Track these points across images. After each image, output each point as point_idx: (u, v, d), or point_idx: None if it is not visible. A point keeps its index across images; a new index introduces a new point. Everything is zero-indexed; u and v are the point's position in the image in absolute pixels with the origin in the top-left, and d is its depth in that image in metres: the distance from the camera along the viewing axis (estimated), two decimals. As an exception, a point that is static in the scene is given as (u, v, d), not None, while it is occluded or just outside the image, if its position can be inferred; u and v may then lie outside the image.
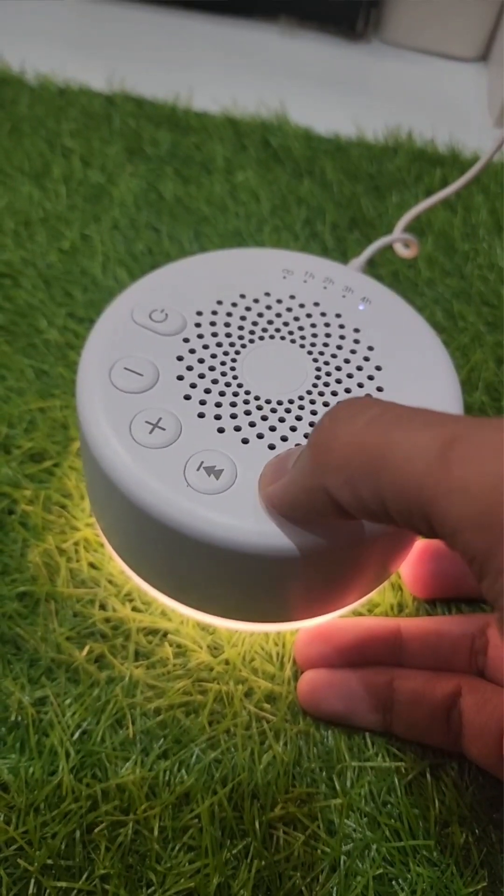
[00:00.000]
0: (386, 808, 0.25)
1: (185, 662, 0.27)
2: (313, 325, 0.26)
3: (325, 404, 0.23)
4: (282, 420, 0.23)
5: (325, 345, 0.25)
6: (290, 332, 0.26)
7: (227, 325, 0.25)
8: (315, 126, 0.52)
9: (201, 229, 0.43)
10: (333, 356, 0.25)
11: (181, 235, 0.42)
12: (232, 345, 0.25)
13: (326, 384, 0.24)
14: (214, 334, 0.25)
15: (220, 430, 0.22)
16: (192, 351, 0.24)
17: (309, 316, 0.26)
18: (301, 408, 0.23)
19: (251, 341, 0.25)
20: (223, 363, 0.24)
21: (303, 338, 0.25)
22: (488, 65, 0.65)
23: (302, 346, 0.25)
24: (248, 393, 0.23)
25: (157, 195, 0.44)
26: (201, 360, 0.24)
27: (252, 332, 0.25)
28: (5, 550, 0.29)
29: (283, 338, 0.25)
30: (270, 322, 0.26)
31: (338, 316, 0.26)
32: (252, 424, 0.23)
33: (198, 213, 0.44)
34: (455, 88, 0.62)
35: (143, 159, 0.47)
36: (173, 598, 0.25)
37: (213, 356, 0.24)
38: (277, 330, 0.26)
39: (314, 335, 0.26)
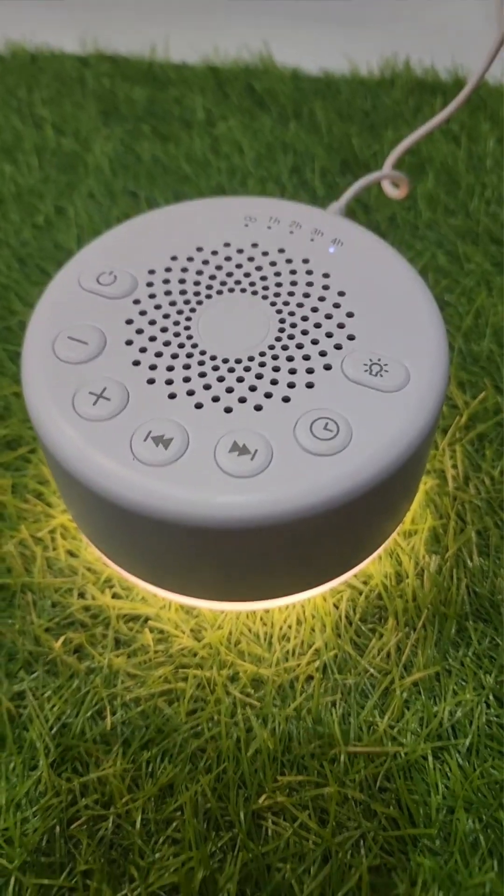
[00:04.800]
0: (383, 795, 0.23)
1: (167, 648, 0.26)
2: (277, 274, 0.24)
3: (290, 358, 0.21)
4: (240, 380, 0.21)
5: (291, 293, 0.23)
6: (252, 284, 0.23)
7: (182, 281, 0.23)
8: (303, 65, 0.49)
9: (182, 189, 0.40)
10: (299, 305, 0.23)
11: (160, 198, 0.40)
12: (187, 302, 0.23)
13: (291, 336, 0.22)
14: (168, 293, 0.23)
15: (172, 396, 0.21)
16: (142, 313, 0.23)
17: (273, 264, 0.24)
18: (262, 364, 0.21)
19: (208, 297, 0.23)
20: (177, 323, 0.22)
21: (265, 288, 0.23)
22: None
23: (265, 297, 0.23)
24: (203, 353, 0.22)
25: (134, 157, 0.42)
26: (153, 322, 0.22)
27: (209, 287, 0.23)
28: (-17, 542, 0.28)
29: (243, 290, 0.23)
30: (230, 274, 0.24)
31: (305, 261, 0.24)
32: (207, 387, 0.21)
33: (178, 172, 0.41)
34: (457, 2, 0.57)
35: (119, 120, 0.44)
36: (143, 580, 0.24)
37: (166, 316, 0.23)
38: (237, 282, 0.23)
39: (278, 284, 0.23)
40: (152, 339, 0.22)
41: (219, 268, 0.24)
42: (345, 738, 0.24)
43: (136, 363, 0.21)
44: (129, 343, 0.22)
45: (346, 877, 0.22)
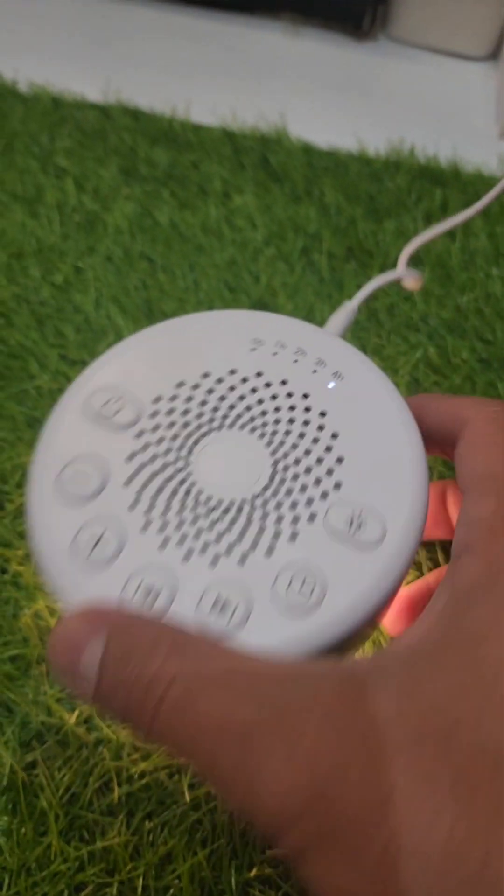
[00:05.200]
0: (356, 869, 0.26)
1: (170, 724, 0.28)
2: (277, 410, 0.24)
3: (278, 505, 0.22)
4: (229, 527, 0.21)
5: (287, 433, 0.23)
6: (251, 419, 0.24)
7: (186, 412, 0.23)
8: (315, 139, 0.51)
9: (196, 260, 0.42)
10: (294, 446, 0.23)
11: (175, 267, 0.42)
12: (188, 436, 0.23)
13: (282, 481, 0.22)
14: (171, 424, 0.23)
15: (164, 543, 0.21)
16: (145, 447, 0.23)
17: (274, 398, 0.24)
18: (252, 511, 0.22)
19: (209, 431, 0.23)
20: (176, 460, 0.22)
21: (264, 425, 0.23)
22: (499, 63, 0.63)
23: (262, 435, 0.23)
24: (197, 496, 0.22)
25: (152, 221, 0.44)
26: (153, 458, 0.22)
27: (211, 421, 0.23)
28: (-2, 608, 0.30)
29: (242, 426, 0.23)
30: (232, 407, 0.24)
31: (305, 397, 0.24)
32: (197, 535, 0.21)
33: (193, 240, 0.43)
34: (462, 90, 0.60)
35: (139, 180, 0.46)
36: None
37: (167, 451, 0.22)
38: (238, 416, 0.24)
39: (276, 422, 0.24)
40: (152, 476, 0.22)
41: (222, 398, 0.24)
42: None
43: (134, 505, 0.21)
44: (128, 481, 0.22)
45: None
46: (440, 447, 0.25)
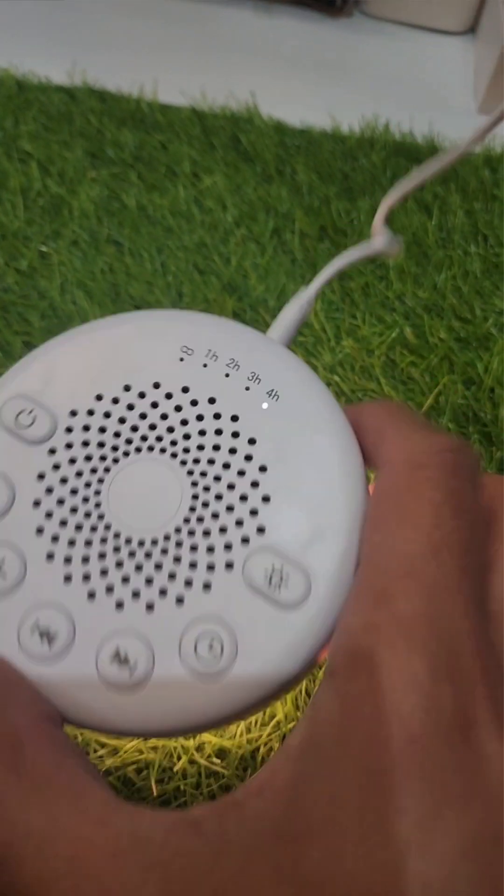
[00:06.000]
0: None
1: (138, 718, 0.27)
2: (202, 433, 0.21)
3: (193, 548, 0.20)
4: (139, 568, 0.19)
5: (210, 462, 0.21)
6: (173, 443, 0.21)
7: (102, 430, 0.21)
8: (287, 117, 0.50)
9: (165, 242, 0.41)
10: (216, 479, 0.21)
11: (143, 250, 0.41)
12: (103, 458, 0.21)
13: (201, 519, 0.20)
14: (85, 443, 0.21)
15: (68, 578, 0.19)
16: (56, 466, 0.21)
17: (199, 419, 0.22)
18: (164, 551, 0.20)
19: (125, 454, 0.21)
20: (88, 485, 0.20)
21: (186, 451, 0.21)
22: (475, 38, 0.62)
23: (183, 462, 0.21)
24: (108, 528, 0.20)
25: (119, 204, 0.43)
26: (63, 480, 0.20)
27: (129, 442, 0.21)
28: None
29: (162, 450, 0.21)
30: (153, 427, 0.21)
31: (234, 419, 0.22)
32: (104, 572, 0.19)
33: (162, 223, 0.42)
34: (439, 66, 0.59)
35: (106, 163, 0.45)
36: None
37: (79, 474, 0.21)
38: (159, 438, 0.21)
39: (199, 447, 0.21)
40: (60, 501, 0.20)
41: (143, 416, 0.22)
42: (299, 806, 0.26)
43: (40, 531, 0.20)
44: (36, 504, 0.20)
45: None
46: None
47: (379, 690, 0.14)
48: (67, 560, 0.20)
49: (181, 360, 0.23)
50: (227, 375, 0.23)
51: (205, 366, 0.23)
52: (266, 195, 0.44)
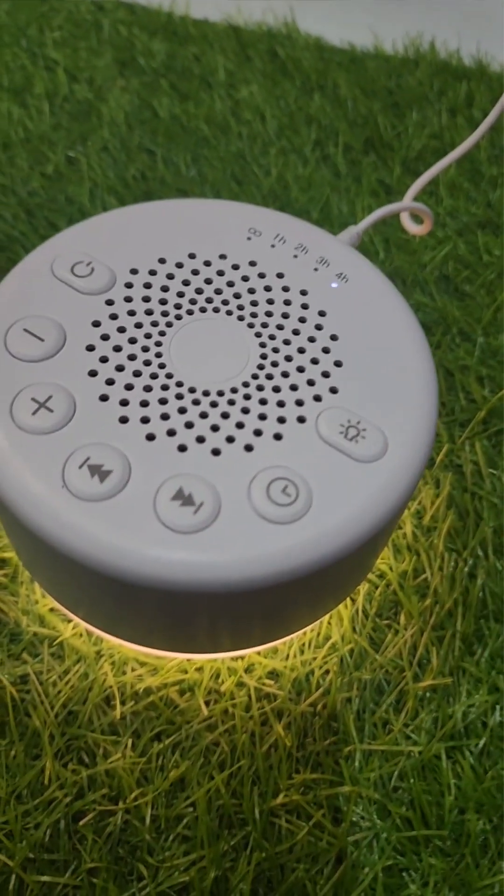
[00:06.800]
0: (397, 794, 0.23)
1: (180, 636, 0.25)
2: (269, 302, 0.21)
3: (262, 402, 0.19)
4: (203, 415, 0.18)
5: (280, 327, 0.21)
6: (240, 308, 0.21)
7: (165, 289, 0.21)
8: (327, 35, 0.47)
9: (200, 152, 0.38)
10: (286, 342, 0.20)
11: (178, 159, 0.38)
12: (165, 314, 0.20)
13: (270, 376, 0.19)
14: (146, 299, 0.20)
15: (123, 420, 0.18)
16: (113, 316, 0.20)
17: (268, 289, 0.21)
18: (231, 402, 0.19)
19: (189, 313, 0.20)
20: (148, 336, 0.20)
21: (254, 316, 0.21)
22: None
23: (250, 325, 0.21)
24: (170, 376, 0.19)
25: (151, 113, 0.40)
26: (122, 329, 0.20)
27: (193, 302, 0.21)
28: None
29: (229, 313, 0.21)
30: (218, 291, 0.21)
31: (303, 293, 0.21)
32: (165, 417, 0.18)
33: (196, 133, 0.39)
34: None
35: (136, 72, 0.42)
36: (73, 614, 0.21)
37: (138, 326, 0.20)
38: (225, 302, 0.21)
39: (268, 314, 0.21)
40: (117, 349, 0.19)
41: (208, 281, 0.21)
42: (360, 735, 0.24)
43: (93, 373, 0.19)
44: (90, 349, 0.19)
45: (360, 877, 0.21)
46: None
47: None
48: (124, 403, 0.18)
49: (248, 238, 0.22)
50: (295, 257, 0.22)
51: (272, 246, 0.22)
52: (307, 107, 0.41)
